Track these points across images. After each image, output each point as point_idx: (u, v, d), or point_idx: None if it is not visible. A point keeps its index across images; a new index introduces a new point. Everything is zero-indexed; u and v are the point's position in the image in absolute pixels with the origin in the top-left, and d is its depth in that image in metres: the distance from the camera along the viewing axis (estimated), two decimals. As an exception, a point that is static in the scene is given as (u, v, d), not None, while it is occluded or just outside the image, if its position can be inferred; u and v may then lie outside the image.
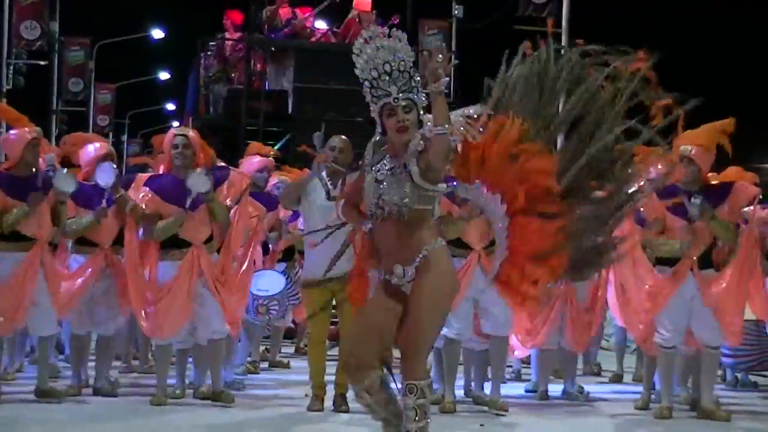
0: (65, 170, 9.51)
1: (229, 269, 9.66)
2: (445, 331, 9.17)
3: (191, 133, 9.78)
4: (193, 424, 8.61)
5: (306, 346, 12.19)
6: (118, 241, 9.73)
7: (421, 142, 6.28)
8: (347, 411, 9.20)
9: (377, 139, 6.47)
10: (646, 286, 9.61)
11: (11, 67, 28.86)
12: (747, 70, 38.55)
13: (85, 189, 9.71)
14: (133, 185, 9.62)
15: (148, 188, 9.50)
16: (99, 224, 9.67)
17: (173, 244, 9.43)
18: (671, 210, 9.53)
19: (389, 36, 6.28)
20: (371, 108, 6.34)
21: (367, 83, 6.27)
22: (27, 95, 28.99)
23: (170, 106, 52.90)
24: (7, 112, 9.98)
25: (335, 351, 9.92)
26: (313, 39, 19.80)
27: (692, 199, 9.32)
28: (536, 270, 7.38)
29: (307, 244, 9.51)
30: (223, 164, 10.43)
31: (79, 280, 9.76)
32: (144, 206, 9.43)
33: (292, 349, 13.93)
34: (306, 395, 9.62)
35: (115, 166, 9.77)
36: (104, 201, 9.60)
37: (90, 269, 9.78)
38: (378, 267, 6.48)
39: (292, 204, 9.82)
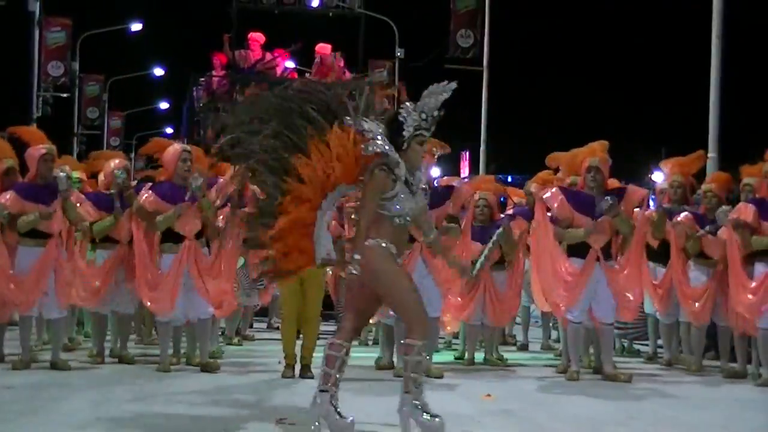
0: (63, 174, 9.10)
1: (219, 259, 9.35)
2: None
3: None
4: (187, 388, 8.29)
5: (276, 322, 11.88)
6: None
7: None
8: (312, 377, 8.81)
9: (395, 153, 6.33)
10: (564, 279, 9.35)
11: (40, 99, 28.95)
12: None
13: (108, 198, 9.62)
14: (142, 190, 9.33)
15: (151, 192, 9.18)
16: (117, 221, 9.51)
17: (171, 237, 9.14)
18: (578, 210, 9.26)
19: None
20: (405, 127, 6.30)
21: (427, 115, 6.29)
22: (53, 121, 29.52)
23: (169, 130, 52.35)
24: (29, 132, 9.60)
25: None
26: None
27: (605, 199, 9.08)
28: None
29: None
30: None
31: (106, 273, 9.61)
32: (147, 205, 9.12)
33: (264, 325, 13.61)
34: (279, 362, 9.25)
35: (125, 172, 9.65)
36: (118, 203, 9.50)
37: (112, 262, 9.62)
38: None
39: None
